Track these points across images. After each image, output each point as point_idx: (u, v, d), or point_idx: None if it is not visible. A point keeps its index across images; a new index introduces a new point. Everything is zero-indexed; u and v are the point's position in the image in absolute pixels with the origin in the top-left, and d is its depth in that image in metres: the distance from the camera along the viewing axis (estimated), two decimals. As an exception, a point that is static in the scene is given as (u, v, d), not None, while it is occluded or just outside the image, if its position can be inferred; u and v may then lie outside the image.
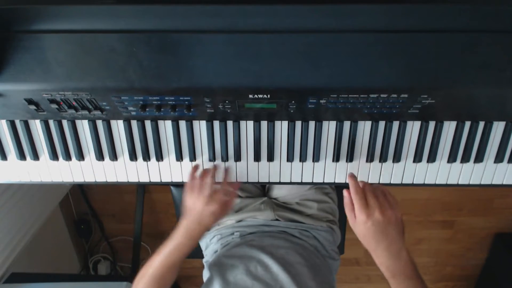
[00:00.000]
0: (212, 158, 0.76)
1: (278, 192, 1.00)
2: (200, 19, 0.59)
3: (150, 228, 1.86)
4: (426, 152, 0.75)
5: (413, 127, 0.73)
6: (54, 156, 0.76)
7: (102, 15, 0.59)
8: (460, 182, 0.78)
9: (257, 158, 0.76)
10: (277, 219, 0.93)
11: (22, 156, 0.76)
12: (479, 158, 0.75)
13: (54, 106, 0.65)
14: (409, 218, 1.83)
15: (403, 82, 0.60)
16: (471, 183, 0.78)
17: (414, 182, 0.78)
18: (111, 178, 0.79)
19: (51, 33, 0.59)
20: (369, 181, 0.78)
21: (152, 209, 1.81)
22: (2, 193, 1.15)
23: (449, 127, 0.73)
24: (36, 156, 0.76)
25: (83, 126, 0.74)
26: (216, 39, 0.59)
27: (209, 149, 0.75)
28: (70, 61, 0.60)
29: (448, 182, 0.78)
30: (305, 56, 0.59)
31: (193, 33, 0.59)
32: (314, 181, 0.79)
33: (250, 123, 0.74)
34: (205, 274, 0.87)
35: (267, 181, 0.79)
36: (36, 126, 0.74)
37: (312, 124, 0.73)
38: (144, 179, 0.79)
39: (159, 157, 0.76)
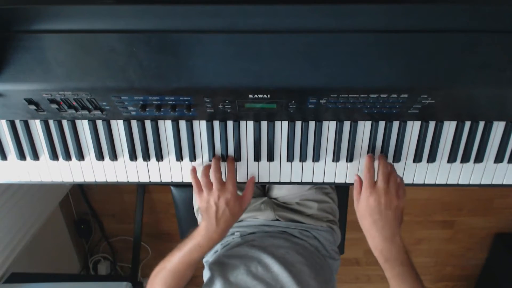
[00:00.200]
0: (212, 158, 0.76)
1: (278, 192, 1.00)
2: (200, 19, 0.59)
3: (150, 228, 1.86)
4: (426, 152, 0.75)
5: (413, 127, 0.73)
6: (54, 156, 0.76)
7: (102, 15, 0.59)
8: (460, 182, 0.78)
9: (257, 158, 0.76)
10: (277, 219, 0.93)
11: (22, 156, 0.76)
12: (479, 158, 0.75)
13: (54, 106, 0.65)
14: (409, 218, 1.83)
15: (403, 82, 0.60)
16: (471, 183, 0.78)
17: (414, 182, 0.78)
18: (111, 178, 0.79)
19: (51, 33, 0.59)
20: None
21: (152, 209, 1.81)
22: (2, 193, 1.15)
23: (449, 127, 0.73)
24: (36, 156, 0.76)
25: (83, 126, 0.74)
26: (216, 39, 0.59)
27: (209, 149, 0.75)
28: (70, 61, 0.59)
29: (448, 182, 0.78)
30: (305, 56, 0.59)
31: (193, 33, 0.59)
32: (314, 181, 0.79)
33: (250, 123, 0.74)
34: (206, 274, 0.87)
35: (267, 181, 0.79)
36: (36, 126, 0.74)
37: (312, 124, 0.73)
38: (144, 179, 0.79)
39: (159, 157, 0.76)
